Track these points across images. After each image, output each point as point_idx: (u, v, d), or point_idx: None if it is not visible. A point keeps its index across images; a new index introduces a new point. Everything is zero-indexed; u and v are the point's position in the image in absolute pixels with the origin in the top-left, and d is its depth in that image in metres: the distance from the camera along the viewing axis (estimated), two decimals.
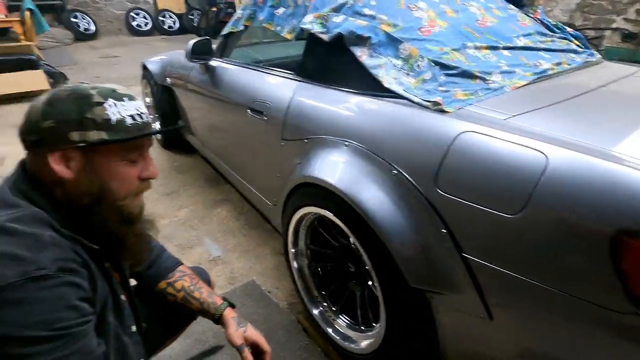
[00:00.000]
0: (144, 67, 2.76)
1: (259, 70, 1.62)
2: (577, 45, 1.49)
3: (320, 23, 1.23)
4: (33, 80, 4.11)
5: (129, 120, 0.65)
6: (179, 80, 2.29)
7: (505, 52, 1.20)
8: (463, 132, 0.83)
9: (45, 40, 6.52)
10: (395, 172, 0.91)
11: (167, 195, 2.34)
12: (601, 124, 0.87)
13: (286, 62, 1.87)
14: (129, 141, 0.65)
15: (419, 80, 1.05)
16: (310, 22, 1.24)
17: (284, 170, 1.34)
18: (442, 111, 0.91)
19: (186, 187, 2.44)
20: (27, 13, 4.70)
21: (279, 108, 1.34)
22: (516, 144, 0.76)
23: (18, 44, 4.54)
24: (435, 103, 0.93)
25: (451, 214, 0.82)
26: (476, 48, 1.16)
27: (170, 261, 0.98)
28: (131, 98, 0.68)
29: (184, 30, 8.48)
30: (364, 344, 1.12)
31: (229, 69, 1.79)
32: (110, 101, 0.64)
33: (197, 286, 0.97)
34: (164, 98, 2.53)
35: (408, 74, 1.07)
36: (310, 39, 1.29)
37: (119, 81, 4.82)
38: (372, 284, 1.15)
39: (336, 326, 1.26)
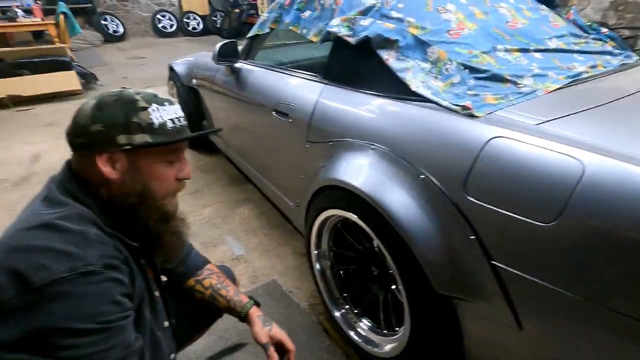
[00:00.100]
0: (171, 69, 2.84)
1: (283, 73, 1.64)
2: (613, 47, 1.43)
3: (347, 26, 1.24)
4: (66, 80, 4.30)
5: (169, 124, 0.68)
6: (204, 82, 2.35)
7: (537, 55, 1.17)
8: (494, 137, 0.82)
9: (76, 42, 6.80)
10: (422, 176, 0.91)
11: (191, 194, 2.40)
12: None
13: (311, 65, 1.88)
14: (170, 144, 0.68)
15: (448, 83, 1.03)
16: (337, 25, 1.25)
17: (307, 172, 1.35)
18: (472, 116, 0.90)
19: (210, 186, 2.49)
20: (62, 17, 4.92)
21: (304, 110, 1.36)
22: (550, 150, 0.74)
23: (53, 46, 4.76)
24: (465, 107, 0.92)
25: (480, 220, 0.81)
26: (506, 51, 1.14)
27: (199, 259, 1.01)
28: (171, 102, 0.71)
29: (207, 31, 8.66)
30: (388, 347, 1.11)
31: (254, 71, 1.82)
32: (154, 106, 0.67)
33: (224, 284, 0.99)
34: (190, 99, 2.60)
35: (436, 78, 1.06)
36: (337, 41, 1.30)
37: (146, 81, 4.99)
38: (396, 288, 1.14)
39: (358, 329, 1.26)
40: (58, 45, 4.81)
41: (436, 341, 0.95)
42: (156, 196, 0.70)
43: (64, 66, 4.33)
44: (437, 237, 0.88)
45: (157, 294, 0.79)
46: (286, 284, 1.67)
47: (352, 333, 1.26)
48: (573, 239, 0.68)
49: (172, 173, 0.72)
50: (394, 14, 1.17)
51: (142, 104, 0.67)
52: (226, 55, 1.85)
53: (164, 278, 0.92)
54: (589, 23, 1.53)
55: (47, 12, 5.63)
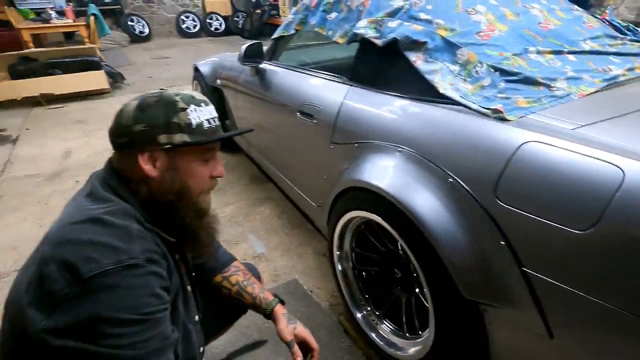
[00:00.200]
0: (196, 69, 2.90)
1: (308, 74, 1.65)
2: None
3: (375, 28, 1.24)
4: (95, 80, 4.45)
5: (205, 124, 0.71)
6: (228, 82, 2.39)
7: (571, 57, 1.14)
8: (527, 141, 0.80)
9: (105, 42, 7.03)
10: (450, 180, 0.90)
11: (213, 192, 2.43)
12: None
13: (335, 66, 1.89)
14: (207, 143, 0.70)
15: (477, 86, 1.02)
16: (364, 27, 1.25)
17: (331, 173, 1.36)
18: (503, 119, 0.89)
19: (232, 185, 2.54)
20: (92, 18, 5.10)
21: (329, 111, 1.37)
22: (587, 156, 0.72)
23: (83, 46, 4.94)
24: (496, 110, 0.90)
25: (511, 226, 0.79)
26: (539, 53, 1.11)
27: (226, 256, 1.03)
28: (207, 103, 0.74)
29: (229, 32, 8.79)
30: (412, 350, 1.11)
31: (278, 72, 1.84)
32: (192, 107, 0.70)
33: (250, 281, 1.01)
34: (214, 99, 2.64)
35: (465, 80, 1.05)
36: (363, 43, 1.30)
37: (170, 81, 5.11)
38: (420, 291, 1.14)
39: (380, 331, 1.26)
40: (88, 45, 4.99)
41: (461, 346, 0.94)
42: (192, 193, 0.72)
43: (94, 66, 4.49)
44: (465, 241, 0.87)
45: (189, 288, 0.82)
46: (307, 284, 1.68)
47: (373, 335, 1.26)
48: (610, 247, 0.67)
49: (206, 171, 0.75)
50: (423, 16, 1.17)
51: (181, 104, 0.70)
52: (252, 56, 1.88)
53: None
54: (626, 24, 1.47)
55: (78, 14, 5.86)
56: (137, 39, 8.14)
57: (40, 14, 5.50)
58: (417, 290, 1.15)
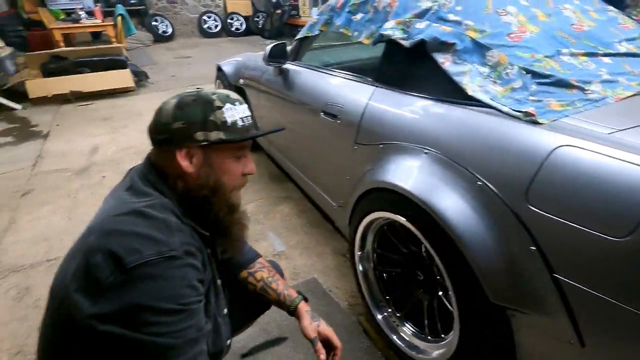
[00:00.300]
0: (219, 69, 2.95)
1: (332, 74, 1.66)
2: None
3: (402, 29, 1.23)
4: (121, 78, 4.59)
5: (240, 122, 0.73)
6: (251, 82, 2.42)
7: (606, 59, 1.10)
8: (560, 145, 0.79)
9: (129, 41, 7.24)
10: (479, 183, 0.89)
11: None
12: None
13: (359, 66, 1.89)
14: (241, 141, 0.72)
15: (507, 88, 1.00)
16: (391, 28, 1.25)
17: (354, 174, 1.36)
18: (535, 122, 0.87)
19: (252, 183, 2.57)
20: (119, 18, 5.25)
21: (353, 112, 1.37)
22: (625, 161, 0.70)
23: (110, 45, 5.10)
24: (528, 114, 0.89)
25: (543, 231, 0.78)
26: (572, 55, 1.09)
27: (252, 253, 1.05)
28: (241, 102, 0.76)
29: (249, 32, 8.90)
30: (435, 353, 1.10)
31: (302, 72, 1.86)
32: (227, 105, 0.72)
33: (274, 278, 1.03)
34: None
35: (495, 82, 1.03)
36: (389, 44, 1.30)
37: (192, 80, 5.21)
38: (443, 294, 1.13)
39: (401, 333, 1.26)
40: (115, 45, 5.15)
41: (487, 350, 0.93)
42: (226, 189, 0.75)
43: (120, 65, 4.63)
44: (493, 245, 0.86)
45: (219, 282, 0.84)
46: (326, 283, 1.69)
47: (394, 337, 1.26)
48: None
49: (239, 168, 0.77)
50: (452, 17, 1.16)
51: (218, 103, 0.72)
52: (276, 56, 1.90)
53: None
54: None
55: (105, 14, 6.05)
56: (160, 38, 8.34)
57: (70, 14, 5.71)
58: (440, 293, 1.14)
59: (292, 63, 1.96)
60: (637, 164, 0.69)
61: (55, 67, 4.41)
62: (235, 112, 0.73)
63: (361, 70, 1.54)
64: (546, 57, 1.05)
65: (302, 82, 1.83)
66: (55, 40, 5.20)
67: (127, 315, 0.58)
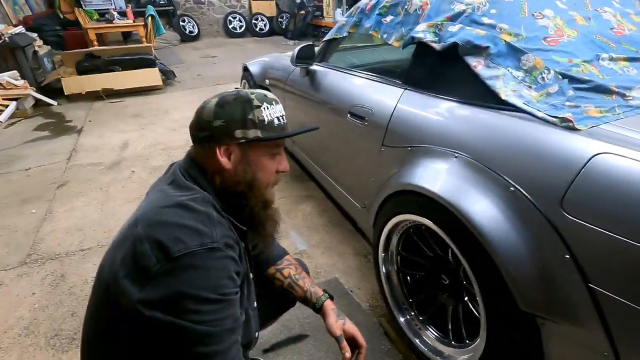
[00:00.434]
0: (245, 69, 3.01)
1: (359, 76, 1.67)
2: None
3: (434, 32, 1.23)
4: (150, 77, 4.74)
5: (276, 121, 0.76)
6: (277, 82, 2.46)
7: None
8: (599, 153, 0.77)
9: (158, 41, 7.46)
10: (512, 188, 0.88)
11: None
12: None
13: (387, 69, 1.89)
14: (277, 139, 0.75)
15: (543, 93, 0.99)
16: (422, 31, 1.25)
17: (380, 176, 1.37)
18: (572, 129, 0.85)
19: None
20: (150, 18, 5.43)
21: (381, 114, 1.37)
22: None
23: (140, 45, 5.28)
24: (564, 119, 0.87)
25: (578, 239, 0.76)
26: (612, 59, 1.06)
27: (280, 250, 1.08)
28: (277, 102, 0.78)
29: (273, 32, 9.01)
30: (461, 359, 1.09)
31: (329, 73, 1.88)
32: (265, 104, 0.75)
33: (301, 275, 1.05)
34: None
35: (530, 87, 1.02)
36: (420, 47, 1.29)
37: (217, 79, 5.32)
38: (469, 299, 1.12)
39: (424, 337, 1.25)
40: (145, 44, 5.32)
41: (514, 358, 0.92)
42: (261, 185, 0.77)
43: (149, 63, 4.78)
44: (525, 252, 0.85)
45: (251, 275, 0.87)
46: (347, 283, 1.70)
47: (417, 341, 1.26)
48: None
49: (273, 166, 0.79)
50: (486, 20, 1.14)
51: (256, 102, 0.75)
52: (304, 57, 1.93)
53: None
54: None
55: (135, 15, 6.27)
56: (187, 38, 8.55)
57: (104, 15, 5.94)
58: (466, 298, 1.13)
59: (319, 64, 1.98)
60: None
61: (89, 65, 4.61)
62: (272, 112, 0.76)
63: (389, 73, 1.54)
64: (584, 61, 1.03)
65: (328, 84, 1.84)
66: (89, 39, 5.43)
67: (170, 302, 0.61)
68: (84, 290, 1.69)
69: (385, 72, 1.56)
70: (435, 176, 1.06)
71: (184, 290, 0.61)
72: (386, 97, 1.39)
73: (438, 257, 1.19)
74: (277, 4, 9.10)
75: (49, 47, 5.33)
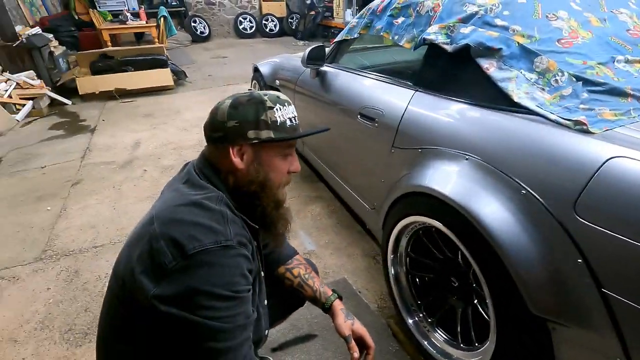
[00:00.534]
0: (255, 69, 3.03)
1: (370, 77, 1.67)
2: None
3: (446, 34, 1.23)
4: (162, 77, 4.81)
5: (288, 122, 0.77)
6: (288, 83, 2.47)
7: None
8: (614, 156, 0.76)
9: (169, 42, 7.55)
10: (524, 191, 0.88)
11: None
12: None
13: (398, 70, 1.89)
14: (289, 140, 0.76)
15: (556, 96, 0.98)
16: (434, 33, 1.25)
17: (389, 177, 1.37)
18: (586, 132, 0.85)
19: None
20: (162, 19, 5.50)
21: (392, 115, 1.38)
22: None
23: (153, 45, 5.35)
24: (578, 122, 0.87)
25: (591, 243, 0.76)
26: (627, 62, 1.04)
27: (290, 249, 1.09)
28: (289, 103, 0.79)
29: (283, 32, 9.05)
30: None
31: (339, 74, 1.88)
32: (277, 106, 0.76)
33: (311, 275, 1.06)
34: None
35: (543, 89, 1.01)
36: (431, 48, 1.29)
37: (227, 79, 5.37)
38: (479, 302, 1.12)
39: (432, 339, 1.25)
40: (157, 45, 5.40)
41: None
42: (273, 185, 0.79)
43: (161, 64, 4.85)
44: (536, 256, 0.84)
45: (262, 273, 0.88)
46: (356, 284, 1.71)
47: (425, 343, 1.25)
48: None
49: (285, 166, 0.81)
50: (499, 22, 1.14)
51: (269, 104, 0.76)
52: (314, 58, 1.94)
53: None
54: None
55: (148, 15, 6.36)
56: (198, 39, 8.64)
57: (117, 16, 6.05)
58: (475, 301, 1.12)
59: (330, 65, 1.99)
60: None
61: (103, 65, 4.69)
62: (285, 113, 0.77)
63: (400, 74, 1.54)
64: (599, 64, 1.02)
65: (339, 85, 1.85)
66: (103, 40, 5.53)
67: (185, 298, 0.63)
68: (96, 287, 1.73)
69: (396, 74, 1.56)
70: (446, 178, 1.06)
71: (199, 286, 0.63)
72: (397, 99, 1.39)
73: (447, 259, 1.19)
74: (287, 5, 9.14)
75: (64, 47, 5.44)
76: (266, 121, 0.75)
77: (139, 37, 8.00)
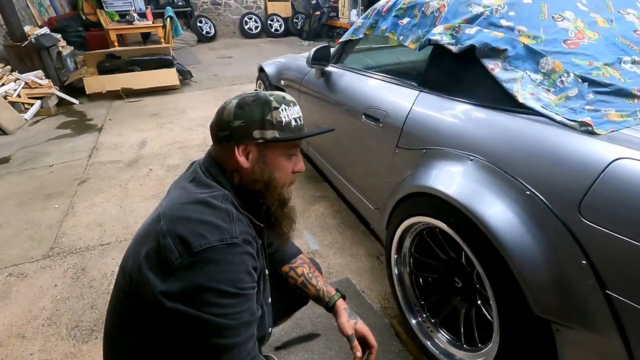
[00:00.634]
0: (260, 69, 3.04)
1: (374, 77, 1.68)
2: None
3: (451, 34, 1.23)
4: (168, 77, 4.84)
5: (293, 123, 0.77)
6: (293, 83, 2.48)
7: None
8: (619, 158, 0.76)
9: (175, 42, 7.60)
10: (528, 192, 0.88)
11: None
12: None
13: (403, 70, 1.89)
14: (294, 140, 0.76)
15: (562, 97, 0.98)
16: (439, 34, 1.25)
17: (393, 178, 1.37)
18: (591, 133, 0.84)
19: None
20: (168, 20, 5.54)
21: (396, 116, 1.38)
22: None
23: (159, 45, 5.39)
24: (584, 123, 0.86)
25: (596, 245, 0.76)
26: (634, 63, 1.03)
27: (294, 248, 1.10)
28: (294, 104, 0.80)
29: (288, 32, 9.07)
30: None
31: (344, 75, 1.89)
32: (283, 106, 0.77)
33: (314, 274, 1.06)
34: None
35: (548, 90, 1.01)
36: (436, 49, 1.29)
37: (233, 79, 5.39)
38: (482, 303, 1.12)
39: (436, 340, 1.25)
40: (163, 45, 5.43)
41: None
42: (278, 184, 0.79)
43: (167, 64, 4.88)
44: (540, 257, 0.84)
45: (266, 271, 0.89)
46: (359, 284, 1.71)
47: (428, 343, 1.26)
48: None
49: (290, 166, 0.81)
50: (504, 23, 1.14)
51: (275, 104, 0.77)
52: (319, 58, 1.94)
53: None
54: None
55: (154, 16, 6.40)
56: (203, 38, 8.68)
57: (124, 16, 6.10)
58: (479, 301, 1.12)
59: (335, 65, 2.00)
60: None
61: (110, 65, 4.73)
62: (290, 113, 0.78)
63: (405, 74, 1.54)
64: (605, 64, 1.01)
65: (343, 85, 1.85)
66: (110, 40, 5.58)
67: (191, 294, 0.64)
68: (103, 284, 1.75)
69: (401, 74, 1.56)
70: (450, 179, 1.06)
71: (205, 283, 0.64)
72: (402, 99, 1.40)
73: (451, 259, 1.19)
74: (292, 5, 9.16)
75: (72, 47, 5.50)
76: (271, 121, 0.76)
77: (146, 37, 8.06)
